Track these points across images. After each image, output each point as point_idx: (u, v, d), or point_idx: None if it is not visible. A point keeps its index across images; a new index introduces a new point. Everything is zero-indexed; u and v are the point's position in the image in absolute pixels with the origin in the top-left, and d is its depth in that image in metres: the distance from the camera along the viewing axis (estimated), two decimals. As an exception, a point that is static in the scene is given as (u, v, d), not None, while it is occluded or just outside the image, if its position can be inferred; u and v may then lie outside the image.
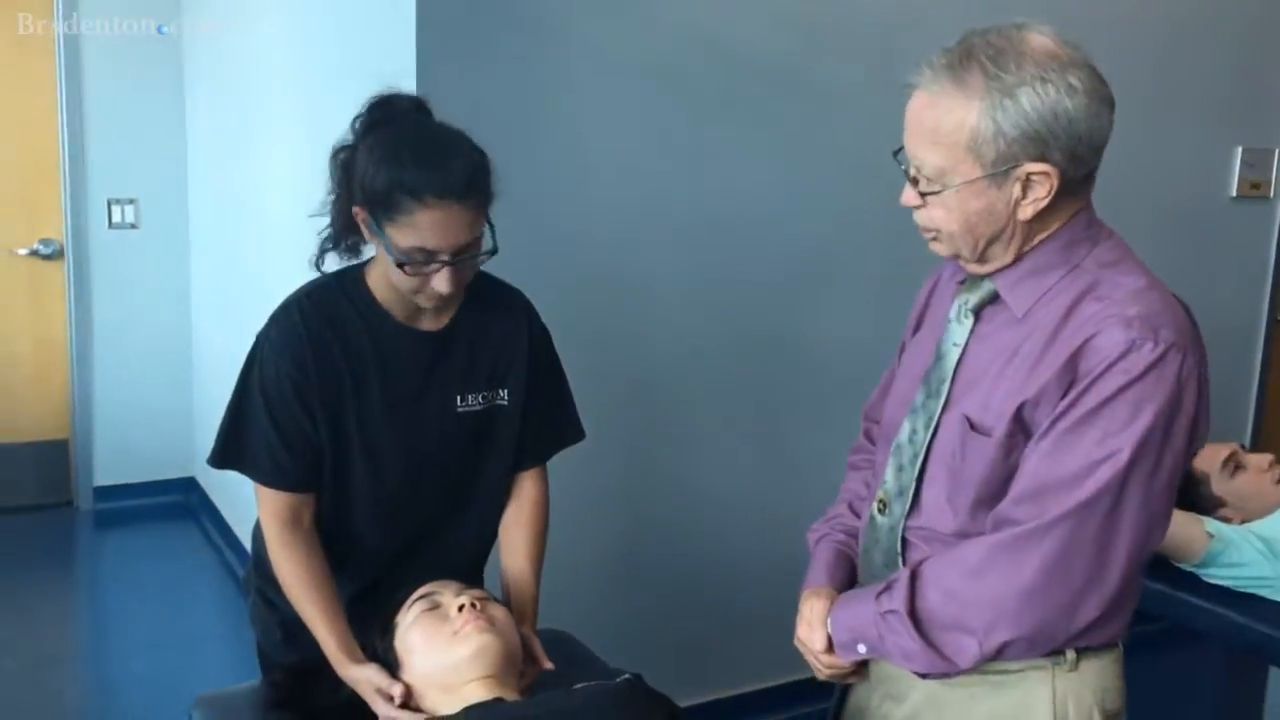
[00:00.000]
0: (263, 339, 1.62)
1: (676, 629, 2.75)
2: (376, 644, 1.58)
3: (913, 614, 1.30)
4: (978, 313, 1.36)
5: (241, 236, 3.80)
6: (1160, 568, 2.15)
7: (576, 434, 1.83)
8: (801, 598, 1.50)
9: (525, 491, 1.78)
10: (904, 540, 1.40)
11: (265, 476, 1.61)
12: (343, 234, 1.63)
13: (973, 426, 1.30)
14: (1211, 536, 2.09)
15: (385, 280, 1.59)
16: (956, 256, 1.33)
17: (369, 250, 1.64)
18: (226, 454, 1.64)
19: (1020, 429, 1.27)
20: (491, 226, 1.55)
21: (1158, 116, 3.20)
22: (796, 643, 1.48)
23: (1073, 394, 1.22)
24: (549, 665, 1.61)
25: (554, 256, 2.40)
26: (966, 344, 1.35)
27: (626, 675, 1.46)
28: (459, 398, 1.67)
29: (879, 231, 2.69)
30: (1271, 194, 3.50)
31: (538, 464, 1.79)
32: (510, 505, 1.78)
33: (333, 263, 1.68)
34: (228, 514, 4.10)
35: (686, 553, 2.74)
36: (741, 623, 2.82)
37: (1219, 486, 2.26)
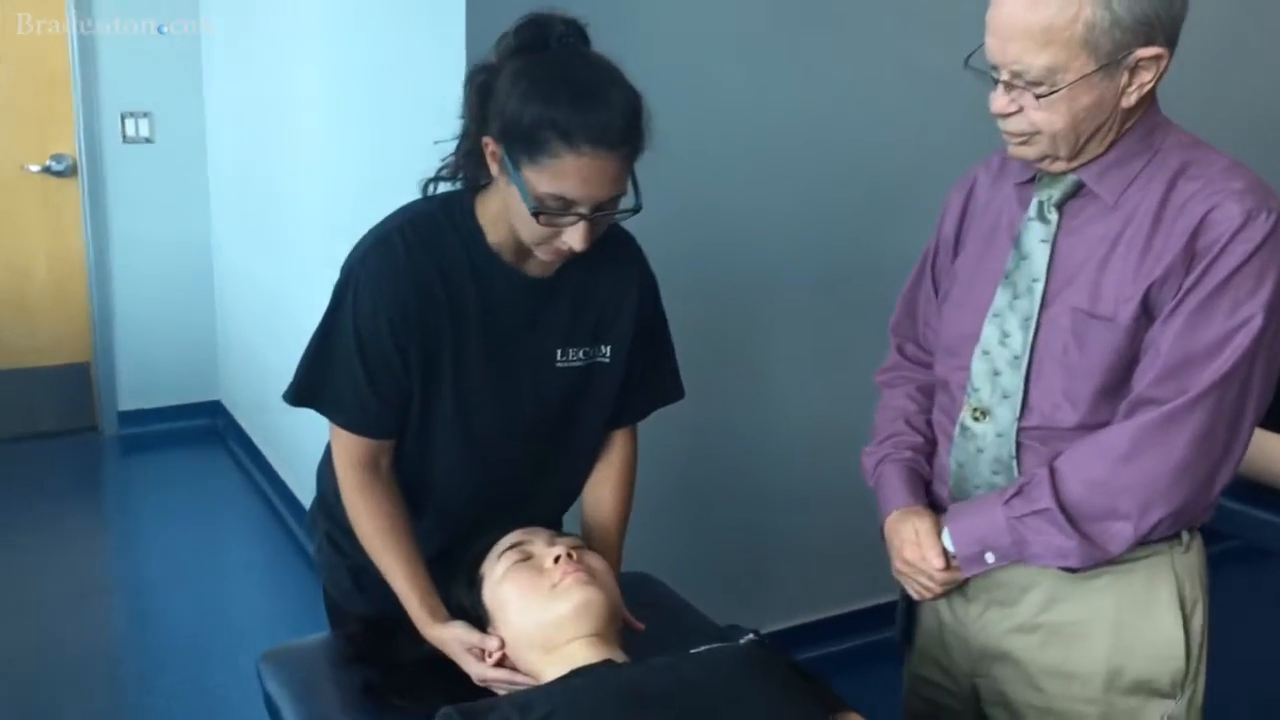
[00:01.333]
0: (357, 267, 1.45)
1: (745, 557, 2.71)
2: (462, 598, 1.47)
3: (1061, 510, 1.31)
4: (1060, 208, 1.36)
5: (265, 151, 3.63)
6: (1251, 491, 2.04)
7: (676, 393, 1.70)
8: (890, 520, 1.49)
9: (616, 451, 1.68)
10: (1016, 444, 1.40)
11: (347, 419, 1.48)
12: (464, 164, 1.47)
13: (1091, 315, 1.31)
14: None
15: (499, 219, 1.44)
16: (1045, 158, 1.32)
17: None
18: (306, 392, 1.49)
19: (1145, 311, 1.29)
20: (635, 181, 1.37)
21: (1253, 18, 3.03)
22: (901, 564, 1.46)
23: (1197, 269, 1.25)
24: (640, 627, 1.49)
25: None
26: (1054, 240, 1.35)
27: (750, 634, 1.34)
28: (559, 351, 1.53)
29: (959, 148, 2.57)
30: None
31: (632, 423, 1.68)
32: (599, 464, 1.67)
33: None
34: (256, 437, 4.03)
35: (756, 476, 2.69)
36: (816, 549, 2.79)
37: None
